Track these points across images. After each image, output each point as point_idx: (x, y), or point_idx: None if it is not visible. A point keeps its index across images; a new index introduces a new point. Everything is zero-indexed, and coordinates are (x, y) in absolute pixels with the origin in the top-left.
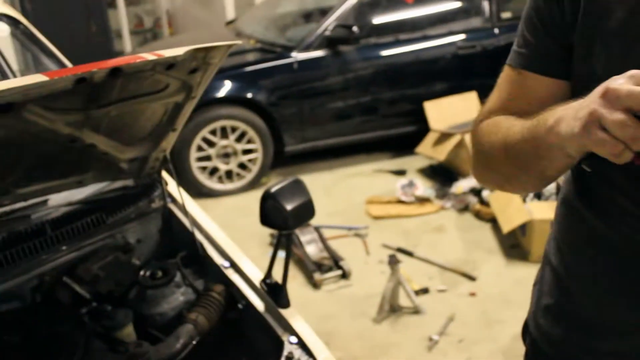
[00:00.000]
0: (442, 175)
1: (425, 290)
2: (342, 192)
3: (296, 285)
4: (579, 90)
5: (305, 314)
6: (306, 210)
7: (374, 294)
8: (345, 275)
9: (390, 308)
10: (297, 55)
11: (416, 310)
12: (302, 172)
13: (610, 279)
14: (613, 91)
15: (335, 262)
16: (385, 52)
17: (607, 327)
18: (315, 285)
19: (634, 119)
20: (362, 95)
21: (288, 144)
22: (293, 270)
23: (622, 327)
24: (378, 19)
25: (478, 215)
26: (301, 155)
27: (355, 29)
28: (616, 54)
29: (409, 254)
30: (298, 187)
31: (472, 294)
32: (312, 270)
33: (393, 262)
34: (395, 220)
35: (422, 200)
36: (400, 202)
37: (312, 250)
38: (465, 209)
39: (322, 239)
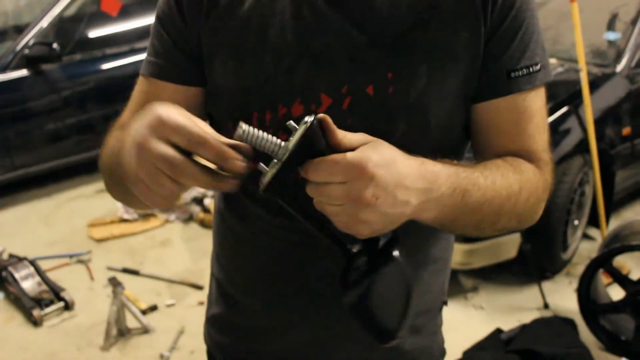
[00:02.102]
0: None
1: (153, 308)
2: (62, 219)
3: (15, 325)
4: (210, 104)
5: (27, 356)
6: None
7: (101, 320)
8: (68, 307)
9: (118, 332)
10: None
11: (145, 330)
12: (17, 202)
13: (262, 285)
14: (160, 121)
15: (55, 294)
16: (93, 68)
17: (268, 329)
18: (36, 322)
19: (178, 155)
20: (74, 115)
21: None
22: (10, 311)
23: (279, 328)
24: (82, 35)
25: (202, 223)
26: (14, 184)
27: (55, 45)
28: (230, 70)
29: (135, 272)
30: None
31: (201, 303)
32: (31, 307)
33: (114, 284)
34: (120, 240)
35: (146, 215)
36: (123, 220)
37: (29, 285)
38: (190, 219)
39: (39, 272)
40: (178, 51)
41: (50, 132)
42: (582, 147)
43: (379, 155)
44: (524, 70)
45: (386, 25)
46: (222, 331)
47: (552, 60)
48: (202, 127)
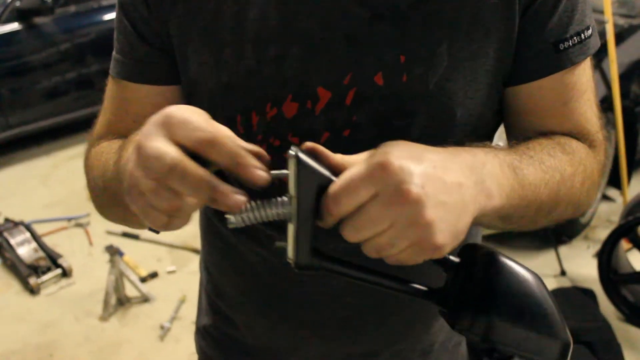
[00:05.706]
0: None
1: (154, 275)
2: (62, 178)
3: (12, 294)
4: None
5: (24, 325)
6: None
7: (100, 288)
8: (65, 274)
9: (118, 302)
10: None
11: (145, 299)
12: (14, 162)
13: (255, 301)
14: (166, 116)
15: (53, 260)
16: (88, 20)
17: (263, 349)
18: (33, 290)
19: (176, 152)
20: (72, 70)
21: None
22: (7, 278)
23: (276, 350)
24: None
25: None
26: (12, 143)
27: None
28: (206, 64)
29: (135, 237)
30: None
31: None
32: (27, 275)
33: (112, 252)
34: None
35: None
36: None
37: (25, 251)
38: None
39: (35, 237)
40: (146, 46)
41: (46, 88)
42: (605, 104)
43: (396, 148)
44: (575, 38)
45: None
46: (214, 345)
47: None
48: (215, 125)
